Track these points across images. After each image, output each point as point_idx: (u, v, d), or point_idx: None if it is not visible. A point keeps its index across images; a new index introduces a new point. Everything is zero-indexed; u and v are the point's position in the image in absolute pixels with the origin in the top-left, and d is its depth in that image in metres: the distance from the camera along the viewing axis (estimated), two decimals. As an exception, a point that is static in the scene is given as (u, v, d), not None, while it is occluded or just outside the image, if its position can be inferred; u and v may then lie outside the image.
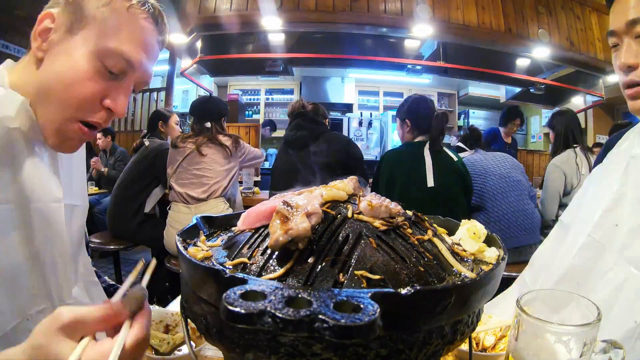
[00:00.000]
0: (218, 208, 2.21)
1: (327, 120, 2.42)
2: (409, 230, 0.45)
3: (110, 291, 0.89)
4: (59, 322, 0.41)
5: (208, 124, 2.28)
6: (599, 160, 0.90)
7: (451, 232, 0.56)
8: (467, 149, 2.46)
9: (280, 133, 5.76)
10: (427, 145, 1.96)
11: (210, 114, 2.31)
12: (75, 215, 0.75)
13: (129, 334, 0.42)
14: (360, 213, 0.45)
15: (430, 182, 1.90)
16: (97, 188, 4.01)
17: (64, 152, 0.68)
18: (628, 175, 0.71)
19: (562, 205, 2.35)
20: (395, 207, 0.47)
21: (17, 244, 0.61)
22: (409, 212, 0.50)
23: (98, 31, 0.61)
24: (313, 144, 2.14)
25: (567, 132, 2.45)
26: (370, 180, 2.29)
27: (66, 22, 0.62)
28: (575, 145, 2.40)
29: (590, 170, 2.30)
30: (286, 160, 2.25)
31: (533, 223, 2.12)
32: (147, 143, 2.61)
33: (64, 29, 0.62)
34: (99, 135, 4.25)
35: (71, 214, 0.73)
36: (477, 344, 0.74)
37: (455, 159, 2.01)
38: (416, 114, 2.01)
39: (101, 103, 0.63)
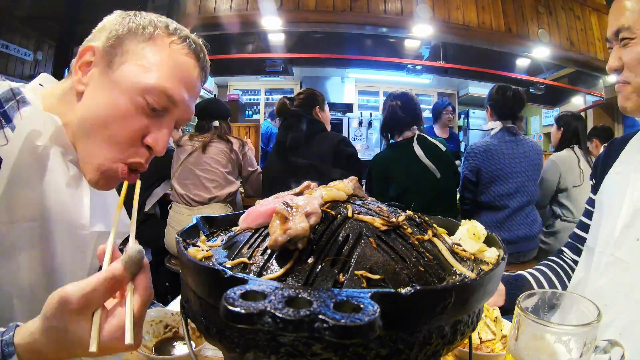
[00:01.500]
0: (220, 212, 2.18)
1: (318, 107, 2.18)
2: (409, 230, 0.45)
3: None
4: (70, 306, 0.42)
5: (216, 123, 2.26)
6: (604, 161, 0.89)
7: (451, 232, 0.56)
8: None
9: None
10: (415, 141, 1.94)
11: (218, 113, 2.31)
12: (101, 240, 0.73)
13: (135, 300, 0.44)
14: (360, 213, 0.45)
15: (438, 174, 1.90)
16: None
17: (101, 189, 0.65)
18: (634, 186, 0.73)
19: (561, 205, 2.36)
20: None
21: (37, 261, 0.61)
22: (410, 212, 0.50)
23: (140, 67, 0.60)
24: (306, 144, 2.07)
25: (574, 135, 2.46)
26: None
27: (107, 56, 0.61)
28: (572, 146, 2.41)
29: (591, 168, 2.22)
30: (279, 161, 2.18)
31: (534, 229, 2.11)
32: None
33: (105, 63, 0.61)
34: None
35: (99, 240, 0.70)
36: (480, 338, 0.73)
37: (444, 148, 1.99)
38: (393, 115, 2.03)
39: (142, 140, 0.61)
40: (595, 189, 0.92)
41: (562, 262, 0.99)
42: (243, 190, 3.00)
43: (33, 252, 0.60)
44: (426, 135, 2.00)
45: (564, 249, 1.02)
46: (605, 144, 0.94)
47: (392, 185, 1.93)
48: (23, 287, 0.59)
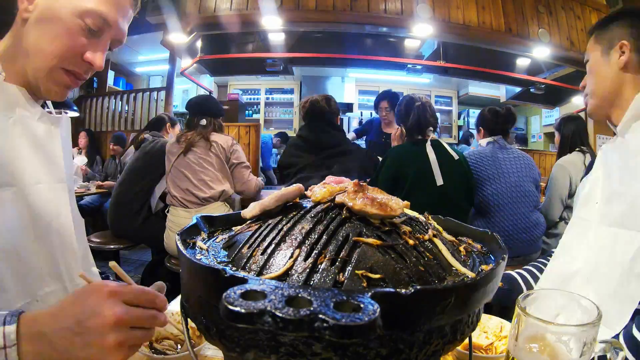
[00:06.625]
0: (219, 212, 2.16)
1: (338, 116, 2.33)
2: (409, 230, 0.45)
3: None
4: (106, 288, 0.49)
5: (204, 121, 2.24)
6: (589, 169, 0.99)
7: (451, 232, 0.56)
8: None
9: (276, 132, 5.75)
10: (429, 142, 1.92)
11: (208, 112, 2.27)
12: (72, 196, 0.79)
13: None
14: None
15: (440, 181, 1.85)
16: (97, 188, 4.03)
17: (54, 98, 0.74)
18: (598, 164, 0.87)
19: (568, 207, 2.31)
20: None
21: (23, 226, 0.66)
22: (412, 212, 0.50)
23: None
24: (335, 149, 2.09)
25: (574, 136, 2.43)
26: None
27: None
28: (582, 148, 2.38)
29: None
30: (303, 158, 2.15)
31: (535, 234, 2.07)
32: (150, 138, 2.60)
33: None
34: (114, 146, 4.30)
35: (70, 195, 0.77)
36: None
37: (457, 157, 1.96)
38: (408, 118, 2.01)
39: (82, 56, 0.70)
40: None
41: None
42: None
43: (14, 215, 0.65)
44: (441, 141, 1.99)
45: (554, 251, 1.03)
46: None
47: (401, 181, 1.90)
48: (8, 250, 0.63)
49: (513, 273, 1.00)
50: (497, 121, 2.19)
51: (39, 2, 0.68)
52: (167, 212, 2.30)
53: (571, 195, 2.29)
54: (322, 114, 2.17)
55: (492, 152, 2.12)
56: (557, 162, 2.37)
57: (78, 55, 0.70)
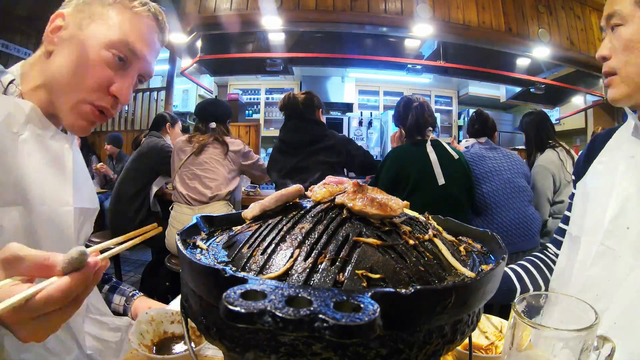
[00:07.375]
0: (221, 211, 2.18)
1: (321, 110, 2.28)
2: (409, 230, 0.45)
3: (114, 285, 0.93)
4: (2, 254, 0.44)
5: (213, 125, 2.27)
6: (587, 156, 0.90)
7: (451, 232, 0.56)
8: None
9: (275, 132, 5.76)
10: (429, 142, 1.93)
11: (215, 116, 2.30)
12: (85, 218, 0.77)
13: (45, 287, 0.41)
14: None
15: (441, 180, 1.86)
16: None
17: (78, 133, 0.74)
18: (630, 177, 0.71)
19: (555, 203, 2.35)
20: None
21: (22, 243, 0.62)
22: (412, 212, 0.50)
23: (106, 26, 0.69)
24: (314, 146, 2.09)
25: (539, 134, 2.46)
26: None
27: (76, 19, 0.69)
28: (550, 142, 2.40)
29: (573, 165, 2.28)
30: (284, 162, 2.17)
31: (533, 228, 2.09)
32: (147, 139, 2.64)
33: (74, 25, 0.69)
34: (108, 146, 4.31)
35: (81, 217, 0.76)
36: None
37: (457, 156, 1.97)
38: (406, 119, 2.02)
39: (108, 89, 0.70)
40: (576, 183, 0.91)
41: (545, 258, 0.99)
42: (246, 187, 3.02)
43: (18, 234, 0.63)
44: (441, 141, 2.00)
45: (549, 245, 1.01)
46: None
47: (403, 181, 1.90)
48: None
49: (506, 269, 0.95)
50: (472, 124, 2.31)
51: (63, 35, 0.68)
52: (171, 208, 2.31)
53: (555, 191, 2.32)
54: (295, 109, 2.14)
55: (483, 152, 2.18)
56: (536, 163, 2.39)
57: (104, 88, 0.69)
